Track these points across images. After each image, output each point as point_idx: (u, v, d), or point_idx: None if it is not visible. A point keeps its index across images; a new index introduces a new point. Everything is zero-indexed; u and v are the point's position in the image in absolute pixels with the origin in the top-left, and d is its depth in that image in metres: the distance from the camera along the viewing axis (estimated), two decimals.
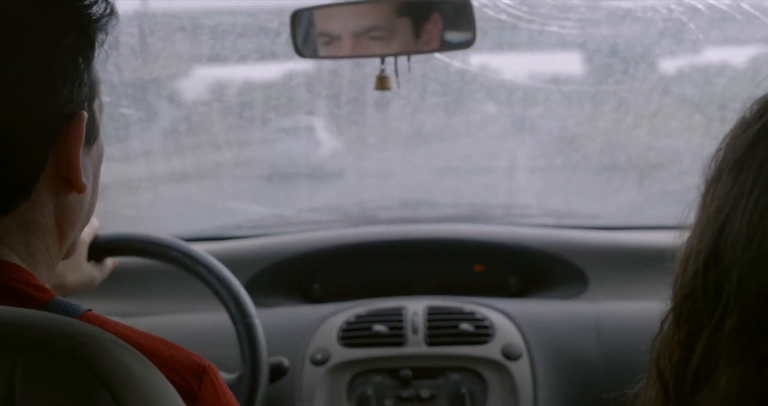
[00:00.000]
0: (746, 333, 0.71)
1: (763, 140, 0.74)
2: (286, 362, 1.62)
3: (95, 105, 0.89)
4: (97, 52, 0.88)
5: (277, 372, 1.61)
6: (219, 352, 1.47)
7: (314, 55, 1.50)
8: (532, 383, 1.75)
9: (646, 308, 1.65)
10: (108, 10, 0.88)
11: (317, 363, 1.79)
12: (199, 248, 1.60)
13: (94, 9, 0.87)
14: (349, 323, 1.86)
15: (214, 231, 2.34)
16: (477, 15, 1.43)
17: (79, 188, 0.86)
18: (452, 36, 1.47)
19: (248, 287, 1.61)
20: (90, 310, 0.83)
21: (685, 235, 0.80)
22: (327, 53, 1.49)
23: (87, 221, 0.95)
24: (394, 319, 1.86)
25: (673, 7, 2.12)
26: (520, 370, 1.77)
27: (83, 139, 0.85)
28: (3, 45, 0.80)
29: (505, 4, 2.08)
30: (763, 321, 0.70)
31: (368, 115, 2.68)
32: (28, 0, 0.82)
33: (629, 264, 2.01)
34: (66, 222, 0.89)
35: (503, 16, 2.10)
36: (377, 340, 1.83)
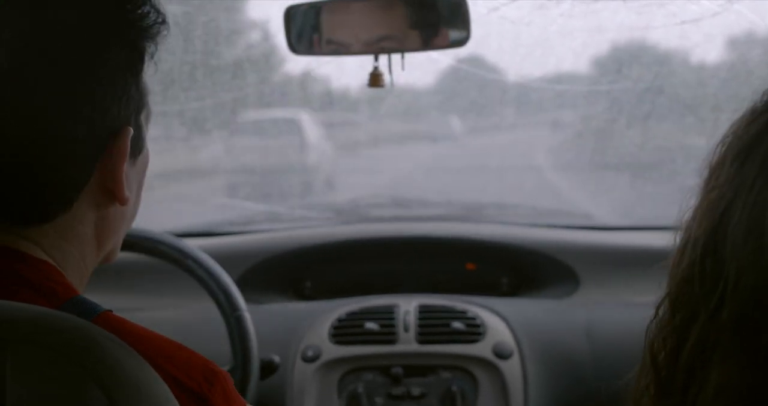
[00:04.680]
0: (742, 327, 0.70)
1: None
2: (277, 358, 1.62)
3: (142, 116, 0.89)
4: (146, 64, 0.87)
5: (268, 369, 1.60)
6: (209, 347, 1.47)
7: (309, 52, 1.49)
8: (523, 381, 1.75)
9: (637, 308, 1.65)
10: (159, 20, 0.87)
11: (308, 360, 1.78)
12: (190, 243, 1.60)
13: (145, 21, 0.86)
14: (340, 320, 1.86)
15: (205, 227, 2.33)
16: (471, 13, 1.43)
17: (122, 201, 0.87)
18: (447, 34, 1.46)
19: (240, 284, 1.60)
20: (110, 310, 0.83)
21: (685, 219, 0.79)
22: (322, 51, 1.49)
23: (128, 228, 0.95)
24: (386, 317, 1.86)
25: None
26: (511, 369, 1.77)
27: (127, 154, 0.85)
28: (51, 61, 0.80)
29: (499, 3, 2.08)
30: (760, 316, 0.70)
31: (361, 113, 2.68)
32: (76, 15, 0.82)
33: (621, 264, 2.01)
34: (105, 232, 0.90)
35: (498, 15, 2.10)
36: (369, 337, 1.82)
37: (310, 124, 3.28)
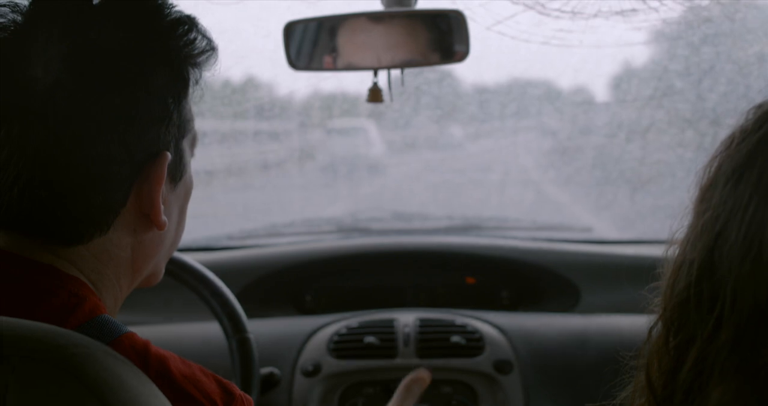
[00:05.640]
0: (741, 347, 0.70)
1: (762, 152, 0.73)
2: (277, 373, 1.61)
3: (184, 142, 0.89)
4: (191, 90, 0.87)
5: (269, 383, 1.60)
6: (210, 362, 1.47)
7: (307, 67, 1.50)
8: (523, 396, 1.75)
9: (637, 322, 1.65)
10: (208, 47, 0.88)
11: (308, 374, 1.78)
12: (192, 259, 1.59)
13: (192, 47, 0.86)
14: (340, 334, 1.86)
15: (206, 241, 2.33)
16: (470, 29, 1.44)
17: (159, 226, 0.87)
18: (447, 49, 1.47)
19: (240, 298, 1.60)
20: (132, 333, 0.83)
21: (678, 241, 0.79)
22: (320, 66, 1.49)
23: (170, 253, 0.96)
24: (386, 331, 1.86)
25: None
26: (511, 383, 1.76)
27: (164, 179, 0.85)
28: (91, 81, 0.80)
29: (498, 19, 2.09)
30: (759, 335, 0.69)
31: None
32: (119, 37, 0.82)
33: (621, 278, 2.01)
34: (142, 256, 0.90)
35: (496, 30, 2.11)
36: (369, 352, 1.82)
37: (373, 130, 4.43)
